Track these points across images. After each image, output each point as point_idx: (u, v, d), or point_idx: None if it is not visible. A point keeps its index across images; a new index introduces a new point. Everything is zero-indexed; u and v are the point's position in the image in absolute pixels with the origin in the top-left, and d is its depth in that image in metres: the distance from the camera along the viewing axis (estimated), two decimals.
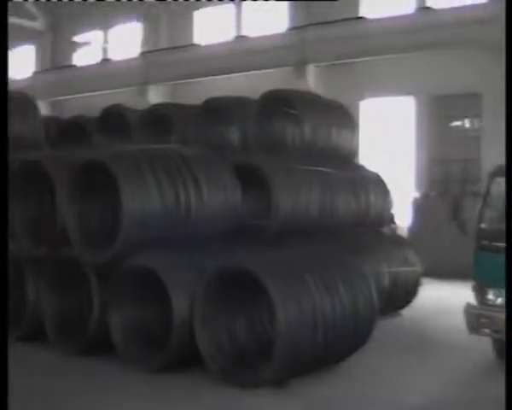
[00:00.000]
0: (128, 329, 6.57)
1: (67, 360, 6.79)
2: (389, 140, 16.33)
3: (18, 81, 23.24)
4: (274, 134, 9.61)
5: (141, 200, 6.51)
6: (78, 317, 7.25)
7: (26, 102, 10.03)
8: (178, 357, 6.20)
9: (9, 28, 21.38)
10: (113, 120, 11.79)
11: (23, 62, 25.69)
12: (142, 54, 21.46)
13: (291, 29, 18.14)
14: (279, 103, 9.59)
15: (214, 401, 5.58)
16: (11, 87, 19.94)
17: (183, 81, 20.07)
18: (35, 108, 10.06)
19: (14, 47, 25.70)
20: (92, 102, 17.18)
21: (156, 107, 11.91)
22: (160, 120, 10.98)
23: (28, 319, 7.34)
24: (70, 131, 12.07)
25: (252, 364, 5.96)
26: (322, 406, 5.51)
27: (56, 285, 7.23)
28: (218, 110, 10.15)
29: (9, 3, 23.79)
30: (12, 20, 23.89)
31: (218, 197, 7.20)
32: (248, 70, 18.22)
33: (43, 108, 21.10)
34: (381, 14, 16.28)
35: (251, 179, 8.00)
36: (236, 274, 5.96)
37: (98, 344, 6.80)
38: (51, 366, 6.68)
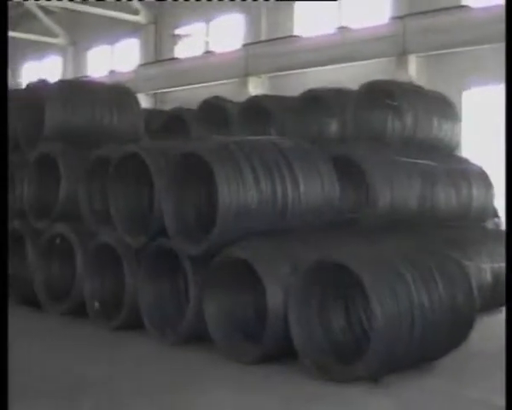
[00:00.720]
0: (223, 320, 6.59)
1: (163, 350, 6.88)
2: (493, 131, 15.87)
3: (121, 74, 23.74)
4: (373, 126, 9.48)
5: (237, 191, 6.51)
6: (175, 307, 7.34)
7: (127, 95, 10.22)
8: (273, 349, 6.18)
9: (113, 23, 22.09)
10: (213, 112, 11.89)
11: (127, 56, 26.21)
12: (244, 46, 21.58)
13: (392, 19, 17.88)
14: (379, 94, 9.45)
15: (307, 394, 5.52)
16: (115, 80, 20.57)
17: (283, 73, 20.09)
18: (135, 101, 10.23)
19: (118, 41, 26.30)
20: (193, 95, 17.38)
21: (255, 98, 11.94)
22: (259, 111, 11.01)
23: (126, 309, 7.46)
24: (170, 123, 12.24)
25: (346, 359, 5.88)
26: (416, 404, 5.38)
27: (153, 275, 7.32)
28: (317, 102, 10.10)
29: None
30: (116, 14, 24.48)
31: (315, 190, 7.13)
32: (349, 61, 18.07)
33: (145, 101, 21.52)
34: (486, 3, 15.85)
35: (349, 172, 7.91)
36: (332, 268, 5.89)
37: (194, 335, 6.86)
38: (149, 356, 6.79)
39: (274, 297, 6.04)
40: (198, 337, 6.84)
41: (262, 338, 6.20)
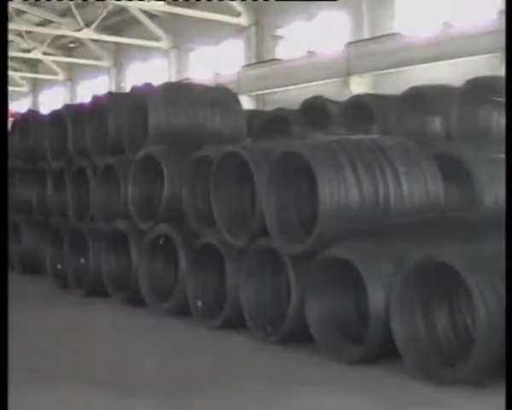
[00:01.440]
0: (324, 319, 6.55)
1: (264, 349, 6.90)
2: None
3: (223, 76, 23.98)
4: (478, 123, 9.25)
5: (338, 190, 6.47)
6: (277, 306, 7.35)
7: (229, 96, 10.31)
8: (374, 350, 6.10)
9: (216, 25, 22.31)
10: (314, 111, 11.88)
11: (230, 58, 26.45)
12: (346, 44, 21.46)
13: (500, 13, 17.41)
14: (484, 91, 9.22)
15: (414, 397, 5.42)
16: (218, 82, 20.83)
17: (385, 71, 19.88)
18: (237, 103, 10.31)
19: (221, 43, 26.57)
20: (294, 95, 17.39)
21: (357, 97, 11.85)
22: (361, 110, 10.92)
23: (228, 308, 7.52)
24: (272, 124, 12.29)
25: (450, 361, 5.74)
26: None
27: (255, 275, 7.35)
28: (420, 99, 9.93)
29: (215, 2, 24.65)
30: (218, 17, 24.75)
31: (418, 188, 7.01)
32: (452, 58, 17.72)
33: (248, 102, 21.66)
34: None
35: (453, 170, 7.75)
36: (436, 267, 5.77)
37: (295, 334, 6.85)
38: (250, 355, 6.83)
39: (376, 297, 5.96)
40: (299, 337, 6.83)
41: (363, 338, 6.14)
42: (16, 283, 11.62)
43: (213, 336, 7.48)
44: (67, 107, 11.79)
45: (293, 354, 6.65)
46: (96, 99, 10.72)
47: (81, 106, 11.32)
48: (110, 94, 11.24)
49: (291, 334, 6.87)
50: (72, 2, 26.26)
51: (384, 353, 6.10)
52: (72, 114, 11.19)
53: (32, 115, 13.46)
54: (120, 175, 9.53)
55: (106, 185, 10.01)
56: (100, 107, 10.42)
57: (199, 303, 8.03)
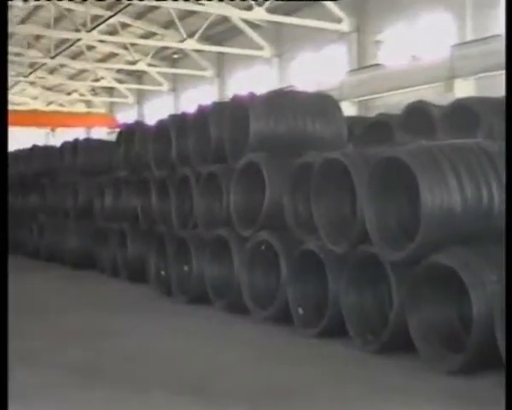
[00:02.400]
0: (426, 327, 6.43)
1: (365, 357, 6.83)
2: None
3: (325, 82, 23.93)
4: None
5: (440, 196, 6.34)
6: (378, 314, 7.26)
7: (330, 102, 10.27)
8: (476, 359, 5.95)
9: (317, 32, 22.21)
10: (417, 116, 11.69)
11: (332, 64, 26.38)
12: (450, 47, 21.08)
13: None
14: None
15: None
16: (319, 88, 20.76)
17: (490, 74, 19.41)
18: (338, 109, 10.26)
19: (322, 49, 26.54)
20: (397, 100, 17.19)
21: (461, 101, 11.59)
22: (465, 114, 10.68)
23: (329, 316, 7.48)
24: (374, 129, 12.17)
25: None
26: None
27: (356, 282, 7.29)
28: None
29: (315, 9, 24.57)
30: (319, 24, 24.73)
31: None
32: None
33: (350, 108, 21.53)
34: None
35: None
36: None
37: (396, 343, 6.76)
38: (350, 363, 6.77)
39: (479, 306, 5.82)
40: (400, 345, 6.73)
41: (465, 347, 5.99)
42: (121, 290, 11.93)
43: (312, 343, 7.46)
44: (171, 117, 12.01)
45: (392, 362, 6.56)
46: (199, 108, 10.88)
47: (184, 115, 11.50)
48: (213, 103, 11.37)
49: (393, 342, 6.77)
50: (175, 14, 26.73)
51: (487, 361, 5.93)
52: (175, 123, 11.39)
53: (137, 126, 13.76)
54: (222, 183, 9.63)
55: (208, 193, 10.13)
56: (203, 116, 10.57)
57: (300, 310, 8.02)
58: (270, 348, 7.49)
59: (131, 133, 13.17)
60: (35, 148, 19.37)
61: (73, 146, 16.23)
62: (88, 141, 17.45)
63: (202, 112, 10.75)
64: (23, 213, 18.55)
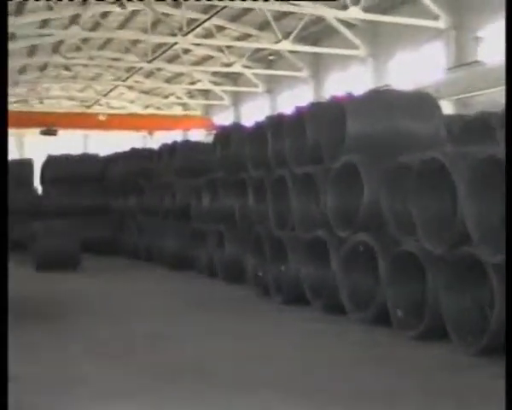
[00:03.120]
0: None
1: (461, 360, 6.70)
2: None
3: (422, 81, 23.58)
4: None
5: None
6: (479, 316, 7.11)
7: (427, 101, 10.12)
8: None
9: (413, 30, 21.90)
10: None
11: (428, 62, 25.97)
12: None
13: None
14: None
15: None
16: (417, 87, 20.41)
17: None
18: (436, 107, 10.09)
19: (419, 48, 26.17)
20: (497, 98, 16.77)
21: None
22: None
23: (428, 318, 7.37)
24: (473, 127, 11.91)
25: None
26: None
27: (455, 283, 7.16)
28: None
29: (412, 6, 24.18)
30: (415, 21, 24.38)
31: None
32: None
33: (449, 106, 21.15)
34: None
35: None
36: None
37: (497, 345, 6.60)
38: (450, 366, 6.66)
39: None
40: (501, 348, 6.56)
41: None
42: (219, 290, 12.06)
43: (413, 346, 7.36)
44: (268, 118, 12.07)
45: (494, 367, 6.41)
46: (296, 110, 10.91)
47: (281, 117, 11.54)
48: (310, 104, 11.37)
49: (494, 345, 6.62)
50: (270, 16, 26.85)
51: None
52: (272, 124, 11.44)
53: (234, 127, 13.89)
54: (319, 183, 9.62)
55: (305, 194, 10.14)
56: (299, 117, 10.58)
57: (399, 312, 7.93)
58: (374, 349, 7.44)
59: (228, 135, 13.30)
60: (134, 150, 19.80)
61: (171, 148, 16.52)
62: (185, 143, 17.74)
63: (299, 113, 10.77)
64: (123, 214, 18.99)
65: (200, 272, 13.88)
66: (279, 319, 9.26)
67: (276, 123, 11.36)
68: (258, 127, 12.00)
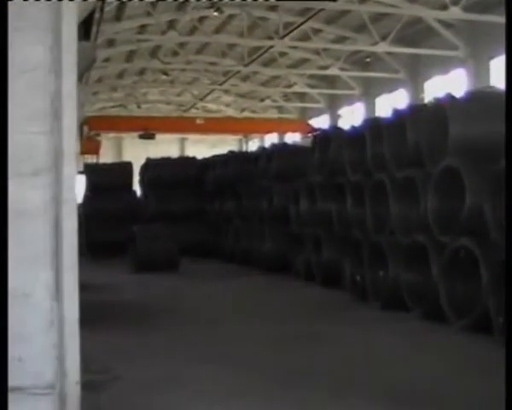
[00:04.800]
0: None
1: None
2: None
3: None
4: None
5: None
6: None
7: None
8: None
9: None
10: None
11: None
12: None
13: None
14: None
15: None
16: None
17: None
18: None
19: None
20: None
21: None
22: None
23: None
24: None
25: None
26: None
27: None
28: None
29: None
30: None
31: None
32: None
33: None
34: None
35: None
36: None
37: None
38: None
39: None
40: None
41: None
42: (316, 294, 12.02)
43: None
44: (366, 121, 11.98)
45: None
46: (395, 113, 10.77)
47: (380, 120, 11.43)
48: (409, 106, 11.22)
49: None
50: (366, 17, 26.63)
51: None
52: (370, 128, 11.34)
53: (332, 131, 13.84)
54: (420, 188, 9.47)
55: (404, 198, 10.00)
56: (399, 120, 10.44)
57: (500, 320, 7.72)
58: (465, 359, 7.27)
59: (326, 138, 13.25)
60: (231, 154, 19.98)
61: (269, 151, 16.58)
62: (283, 146, 17.78)
63: (399, 116, 10.63)
64: (219, 217, 19.18)
65: (297, 276, 13.87)
66: (378, 325, 9.15)
67: (375, 126, 11.25)
68: (357, 131, 11.91)
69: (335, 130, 13.85)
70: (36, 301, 4.08)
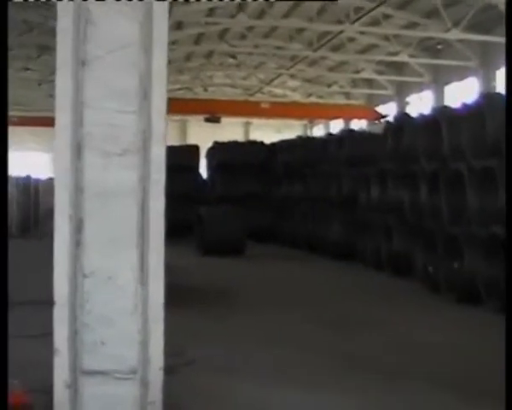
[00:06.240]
0: None
1: None
2: None
3: None
4: None
5: None
6: None
7: None
8: None
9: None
10: None
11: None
12: None
13: None
14: None
15: None
16: None
17: None
18: None
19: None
20: None
21: None
22: None
23: None
24: None
25: None
26: None
27: None
28: None
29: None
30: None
31: None
32: None
33: None
34: None
35: None
36: None
37: None
38: None
39: None
40: None
41: None
42: (385, 284, 11.83)
43: None
44: (441, 109, 11.68)
45: None
46: (474, 101, 10.48)
47: (456, 108, 11.12)
48: (486, 95, 10.90)
49: None
50: (439, 3, 26.06)
51: None
52: (446, 116, 11.04)
53: (405, 118, 13.55)
54: (499, 178, 9.17)
55: (483, 189, 9.70)
56: (477, 108, 10.14)
57: None
58: None
59: (399, 125, 12.98)
60: (299, 138, 19.82)
61: (339, 137, 16.37)
62: (353, 132, 17.52)
63: (477, 104, 10.33)
64: (285, 202, 19.05)
65: (365, 264, 13.69)
66: (451, 316, 8.94)
67: (451, 115, 10.95)
68: (432, 119, 11.61)
69: (408, 117, 13.53)
70: (120, 283, 4.00)
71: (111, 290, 3.99)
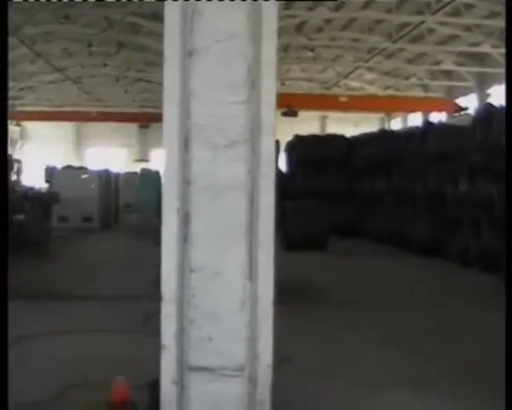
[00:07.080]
0: None
1: None
2: None
3: None
4: None
5: None
6: None
7: None
8: None
9: None
10: None
11: None
12: None
13: None
14: None
15: None
16: None
17: None
18: None
19: None
20: None
21: None
22: None
23: None
24: None
25: None
26: None
27: None
28: None
29: None
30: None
31: None
32: None
33: None
34: None
35: None
36: None
37: None
38: None
39: None
40: None
41: None
42: (475, 280, 11.50)
43: None
44: None
45: None
46: None
47: None
48: None
49: None
50: None
51: None
52: None
53: (496, 110, 13.17)
54: None
55: None
56: None
57: None
58: None
59: (488, 117, 12.63)
60: (382, 132, 19.54)
61: (423, 130, 16.05)
62: (439, 125, 17.17)
63: None
64: (368, 197, 18.79)
65: (451, 260, 13.36)
66: None
67: None
68: None
69: (498, 109, 13.15)
70: (228, 279, 3.91)
71: (218, 286, 3.91)
